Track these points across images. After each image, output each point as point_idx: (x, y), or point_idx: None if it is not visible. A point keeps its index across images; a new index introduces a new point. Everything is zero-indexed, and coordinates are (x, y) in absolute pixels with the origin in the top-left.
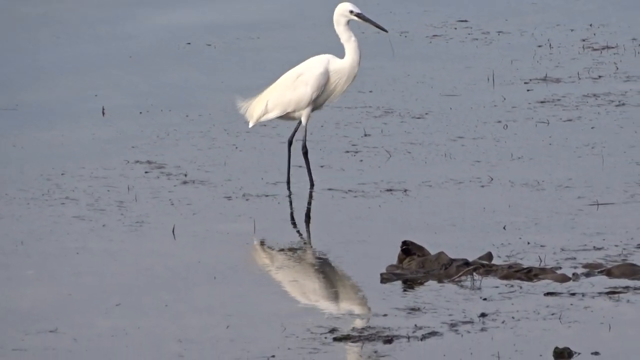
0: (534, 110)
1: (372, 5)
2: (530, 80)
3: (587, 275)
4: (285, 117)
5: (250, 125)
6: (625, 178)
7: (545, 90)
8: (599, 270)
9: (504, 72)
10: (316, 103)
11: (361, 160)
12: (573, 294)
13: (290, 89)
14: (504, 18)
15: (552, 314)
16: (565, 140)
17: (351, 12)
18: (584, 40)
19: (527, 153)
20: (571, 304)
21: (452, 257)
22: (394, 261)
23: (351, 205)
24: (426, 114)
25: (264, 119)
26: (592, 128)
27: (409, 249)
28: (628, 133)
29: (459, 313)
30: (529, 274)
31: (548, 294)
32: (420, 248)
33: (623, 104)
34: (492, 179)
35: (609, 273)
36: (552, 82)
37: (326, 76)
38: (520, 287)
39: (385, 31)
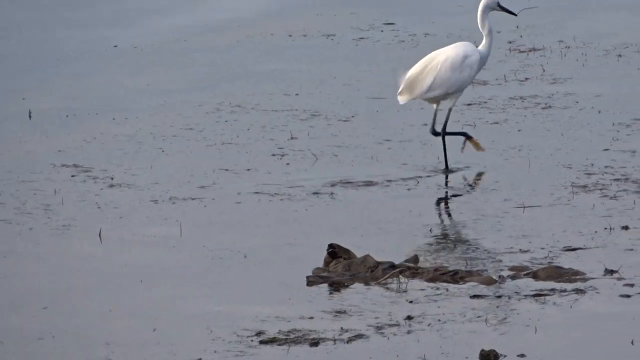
0: (461, 113)
1: (300, 7)
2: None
3: (513, 277)
4: (437, 99)
5: (404, 101)
6: (552, 181)
7: (471, 92)
8: (525, 272)
9: None
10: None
11: (288, 164)
12: (499, 297)
13: (457, 71)
14: (431, 20)
15: (478, 317)
16: (492, 142)
17: (498, 3)
18: (510, 43)
19: (453, 156)
20: (497, 307)
21: (379, 259)
22: (321, 264)
23: (278, 208)
24: (353, 116)
25: (425, 96)
26: (518, 131)
27: (335, 252)
28: (554, 136)
29: (385, 316)
30: (455, 277)
31: (474, 296)
32: (347, 251)
33: (549, 107)
34: (418, 182)
35: (534, 275)
36: (479, 85)
37: (483, 62)
38: (447, 290)
39: (515, 15)
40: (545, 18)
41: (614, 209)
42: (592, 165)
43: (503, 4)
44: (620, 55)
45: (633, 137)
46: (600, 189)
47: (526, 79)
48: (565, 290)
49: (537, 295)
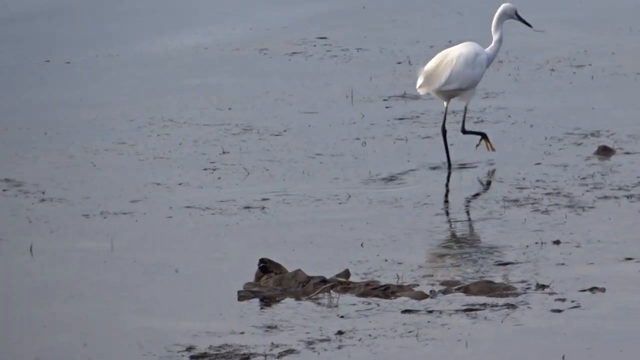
0: (393, 127)
1: (232, 21)
2: (389, 97)
3: (445, 292)
4: (451, 94)
5: (424, 92)
6: (485, 194)
7: (404, 107)
8: (457, 287)
9: (363, 89)
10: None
11: (219, 178)
12: (430, 312)
13: (470, 67)
14: (363, 35)
15: (409, 332)
16: (424, 156)
17: (515, 12)
18: None
19: (386, 170)
20: (428, 322)
21: (310, 274)
22: (252, 279)
23: (209, 222)
24: (285, 131)
25: (443, 88)
26: (451, 145)
27: (266, 267)
28: (485, 149)
29: (316, 331)
30: (387, 292)
31: (405, 311)
32: (278, 266)
33: (482, 121)
34: (350, 196)
35: (466, 290)
36: (411, 99)
37: (489, 62)
38: (378, 305)
39: (531, 27)
40: (479, 33)
41: (546, 223)
42: (524, 179)
43: (521, 14)
44: (553, 70)
45: (565, 151)
46: (532, 203)
47: None
48: (496, 305)
49: (469, 310)
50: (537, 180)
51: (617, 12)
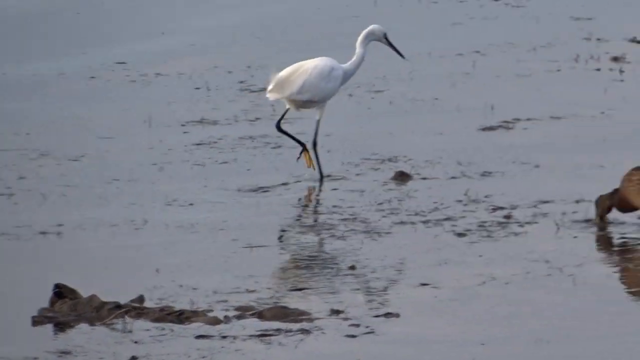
0: (190, 152)
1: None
2: (187, 122)
3: (239, 317)
4: (303, 104)
5: (273, 99)
6: (280, 220)
7: (201, 132)
8: (251, 312)
9: (161, 115)
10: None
11: (15, 203)
12: (224, 337)
13: (324, 80)
14: (163, 60)
15: (203, 357)
16: (221, 182)
17: (385, 35)
18: (241, 82)
19: (183, 196)
20: (222, 347)
21: (105, 300)
22: (47, 304)
23: (4, 247)
24: (82, 156)
25: (294, 97)
26: (247, 170)
27: (61, 292)
28: (283, 175)
29: (109, 356)
30: (181, 317)
31: (199, 336)
32: (73, 291)
33: (279, 146)
34: (146, 221)
35: (260, 315)
36: (209, 124)
37: (346, 77)
38: (172, 330)
39: (403, 57)
40: (276, 59)
41: (342, 248)
42: (321, 204)
43: (391, 40)
44: (351, 95)
45: (361, 177)
46: (328, 229)
47: (256, 118)
48: (290, 331)
49: (263, 335)
50: (334, 206)
51: (416, 39)
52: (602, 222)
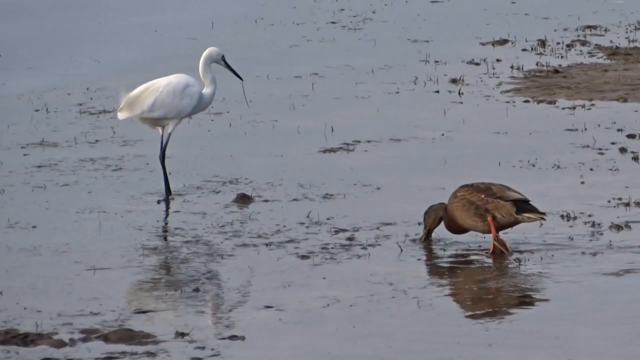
0: (31, 175)
1: None
2: (27, 144)
3: (84, 340)
4: (156, 122)
5: (124, 118)
6: (122, 243)
7: (42, 154)
8: (96, 335)
9: (1, 137)
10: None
11: None
12: None
13: (177, 97)
14: (1, 82)
15: None
16: (62, 204)
17: (223, 57)
18: (80, 105)
19: (24, 218)
20: None
21: None
22: None
23: None
24: None
25: (145, 115)
26: (89, 192)
27: None
28: (125, 197)
29: None
30: (26, 340)
31: (44, 359)
32: None
33: (120, 168)
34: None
35: (105, 338)
36: (49, 147)
37: (206, 102)
38: (17, 353)
39: (241, 79)
40: (115, 81)
41: (185, 271)
42: (164, 227)
43: (229, 62)
44: (190, 118)
45: (203, 199)
46: (171, 251)
47: (97, 140)
48: (136, 353)
49: (108, 358)
50: (176, 229)
51: (254, 61)
52: (429, 234)
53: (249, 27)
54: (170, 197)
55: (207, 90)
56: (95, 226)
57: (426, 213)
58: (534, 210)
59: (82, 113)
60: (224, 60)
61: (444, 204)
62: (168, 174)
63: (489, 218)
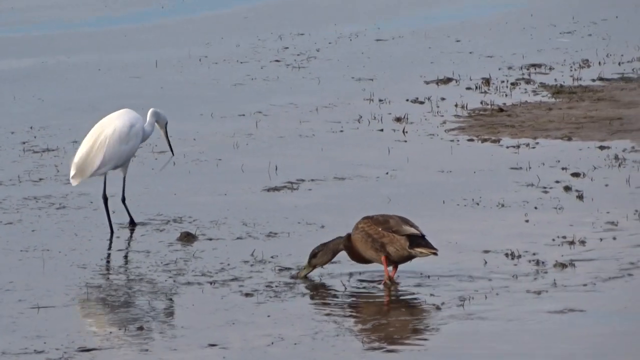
0: None
1: None
2: None
3: None
4: (106, 172)
5: (77, 183)
6: (66, 281)
7: None
8: None
9: None
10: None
11: None
12: None
13: (124, 143)
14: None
15: None
16: (6, 243)
17: (166, 124)
18: (24, 143)
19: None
20: None
21: None
22: None
23: None
24: None
25: (97, 173)
26: (32, 231)
27: None
28: (68, 236)
29: None
30: None
31: None
32: None
33: (64, 207)
34: None
35: None
36: None
37: (146, 136)
38: None
39: (173, 154)
40: (59, 119)
41: (129, 309)
42: (107, 265)
43: (169, 134)
44: (134, 155)
45: (147, 237)
46: (115, 290)
47: (40, 179)
48: None
49: None
50: (120, 267)
51: (197, 99)
52: (311, 270)
53: (192, 65)
54: (134, 227)
55: (147, 127)
56: (39, 264)
57: (320, 251)
58: (426, 245)
59: (25, 151)
60: (165, 127)
61: (341, 237)
62: (111, 213)
63: (383, 258)
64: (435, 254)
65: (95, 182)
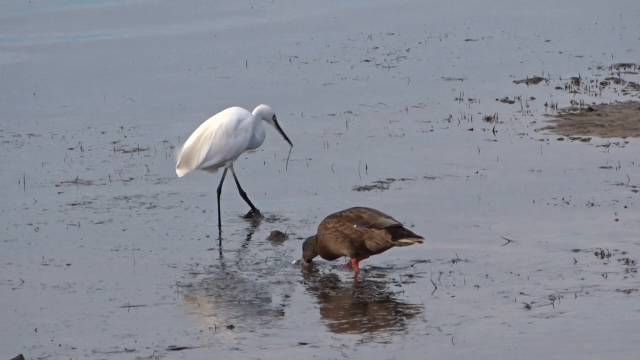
0: (65, 212)
1: None
2: (62, 182)
3: None
4: (213, 167)
5: (182, 174)
6: (157, 280)
7: (76, 192)
8: None
9: (35, 175)
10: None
11: None
12: None
13: (232, 137)
14: (35, 121)
15: None
16: (97, 242)
17: (274, 117)
18: (114, 143)
19: (59, 255)
20: None
21: None
22: None
23: None
24: None
25: (202, 166)
26: (123, 230)
27: None
28: (159, 235)
29: None
30: None
31: None
32: None
33: (154, 206)
34: (23, 282)
35: None
36: (83, 185)
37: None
38: None
39: (291, 145)
40: (149, 119)
41: (219, 308)
42: (197, 264)
43: (280, 125)
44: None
45: (238, 237)
46: (206, 289)
47: (131, 178)
48: None
49: None
50: (211, 266)
51: (288, 99)
52: (309, 264)
53: (282, 65)
54: (259, 216)
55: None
56: (129, 263)
57: (304, 245)
58: (409, 234)
59: (116, 151)
60: (274, 120)
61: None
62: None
63: (353, 261)
64: (420, 241)
65: (186, 181)
